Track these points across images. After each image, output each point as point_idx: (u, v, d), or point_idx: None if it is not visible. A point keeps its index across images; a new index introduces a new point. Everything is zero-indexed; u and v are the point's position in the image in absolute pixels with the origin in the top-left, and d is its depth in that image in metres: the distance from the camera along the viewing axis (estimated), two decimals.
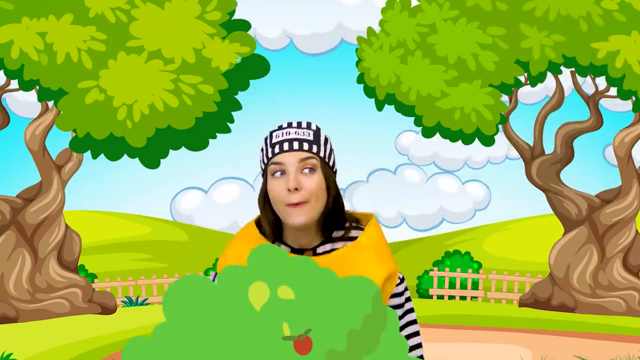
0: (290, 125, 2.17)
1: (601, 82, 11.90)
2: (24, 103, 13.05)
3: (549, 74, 11.35)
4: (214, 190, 18.54)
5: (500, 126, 11.33)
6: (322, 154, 2.15)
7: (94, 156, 10.04)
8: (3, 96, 11.56)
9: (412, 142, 19.81)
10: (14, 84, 10.87)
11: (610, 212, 11.94)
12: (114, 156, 10.04)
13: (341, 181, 2.26)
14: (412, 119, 11.30)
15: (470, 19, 10.94)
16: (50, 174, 11.43)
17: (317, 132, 2.17)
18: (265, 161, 2.16)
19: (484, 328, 10.99)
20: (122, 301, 13.48)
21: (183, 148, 10.15)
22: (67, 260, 11.77)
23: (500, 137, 11.44)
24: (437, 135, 11.31)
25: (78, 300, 11.56)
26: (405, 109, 11.24)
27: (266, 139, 2.18)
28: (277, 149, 2.13)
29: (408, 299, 2.24)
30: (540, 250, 13.18)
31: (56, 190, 11.45)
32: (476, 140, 11.21)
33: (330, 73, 17.17)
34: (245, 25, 10.20)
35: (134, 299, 13.66)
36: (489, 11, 10.96)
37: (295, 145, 2.12)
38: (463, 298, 14.04)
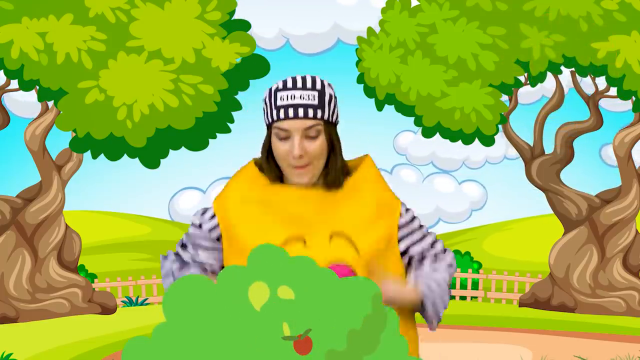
0: (295, 85, 2.15)
1: (601, 82, 11.90)
2: (24, 103, 13.06)
3: (549, 74, 11.34)
4: (212, 190, 18.54)
5: (500, 126, 11.33)
6: (326, 116, 2.16)
7: (94, 156, 10.04)
8: (3, 96, 11.56)
9: (410, 142, 19.82)
10: (14, 84, 10.86)
11: (610, 212, 11.94)
12: (114, 156, 10.03)
13: None
14: (412, 119, 11.30)
15: (470, 19, 10.94)
16: (50, 174, 11.43)
17: (321, 91, 2.17)
18: (269, 121, 2.17)
19: (484, 328, 10.99)
20: (122, 301, 13.48)
21: (182, 148, 10.15)
22: (67, 260, 11.77)
23: (499, 137, 11.43)
24: (437, 135, 11.31)
25: (78, 300, 11.55)
26: (405, 109, 11.24)
27: (270, 96, 2.17)
28: (282, 114, 2.14)
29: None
30: (540, 250, 13.19)
31: (56, 190, 11.45)
32: (476, 140, 11.20)
33: (326, 73, 17.14)
34: (245, 25, 10.20)
35: (133, 299, 13.67)
36: (489, 11, 10.96)
37: (301, 112, 2.13)
38: (463, 298, 14.04)
